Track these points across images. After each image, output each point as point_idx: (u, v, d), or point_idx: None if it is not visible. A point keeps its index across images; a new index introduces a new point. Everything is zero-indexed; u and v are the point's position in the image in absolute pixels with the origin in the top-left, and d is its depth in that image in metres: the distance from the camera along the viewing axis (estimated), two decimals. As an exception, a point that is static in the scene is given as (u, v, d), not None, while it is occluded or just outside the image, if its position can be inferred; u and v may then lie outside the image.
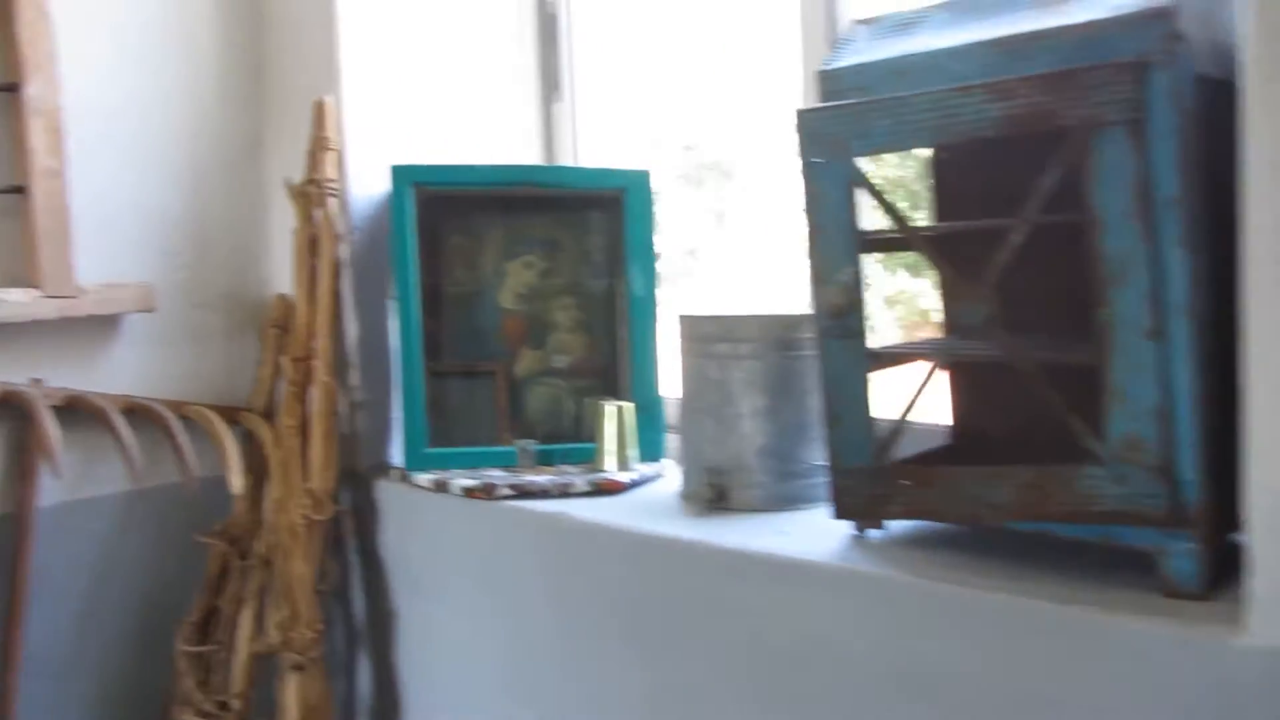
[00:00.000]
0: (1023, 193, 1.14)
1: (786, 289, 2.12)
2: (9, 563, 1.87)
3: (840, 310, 1.27)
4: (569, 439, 1.98)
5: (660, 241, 1.98)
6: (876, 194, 1.27)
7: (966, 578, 1.19)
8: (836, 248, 1.27)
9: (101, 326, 1.97)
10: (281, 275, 2.18)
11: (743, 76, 2.15)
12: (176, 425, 1.92)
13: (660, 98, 2.26)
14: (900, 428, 1.29)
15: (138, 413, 1.94)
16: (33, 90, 1.81)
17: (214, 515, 2.03)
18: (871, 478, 1.27)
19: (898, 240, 1.32)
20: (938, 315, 1.40)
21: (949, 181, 1.47)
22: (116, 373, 1.99)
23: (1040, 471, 1.14)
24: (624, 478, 1.76)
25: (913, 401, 1.29)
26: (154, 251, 2.04)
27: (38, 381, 1.87)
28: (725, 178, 2.26)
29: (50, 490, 1.88)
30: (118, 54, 2.00)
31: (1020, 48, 1.13)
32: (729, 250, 2.25)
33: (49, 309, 1.82)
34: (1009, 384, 1.23)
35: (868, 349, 1.28)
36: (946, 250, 1.26)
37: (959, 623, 1.17)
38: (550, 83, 2.30)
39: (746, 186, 2.23)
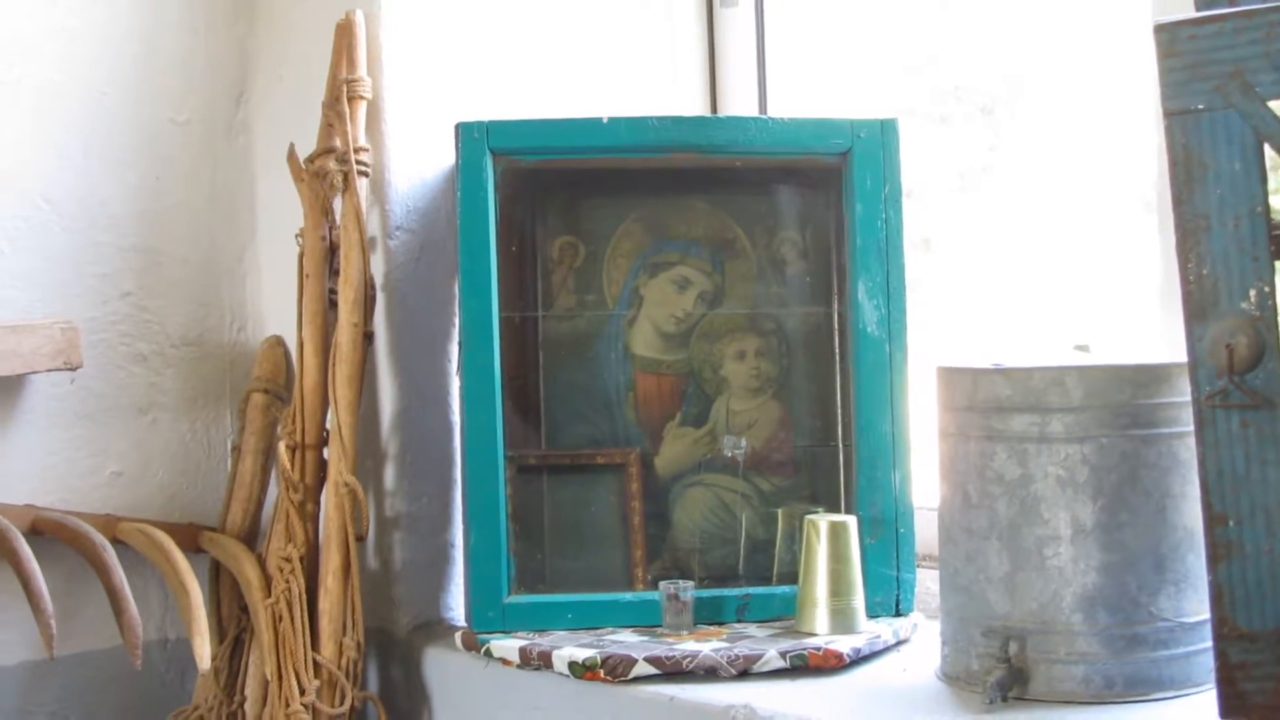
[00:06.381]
0: None
1: (1119, 315, 2.07)
2: None
3: (1241, 360, 1.25)
4: (750, 579, 1.97)
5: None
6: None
7: None
8: (1233, 253, 1.26)
9: (-8, 395, 1.98)
10: (276, 308, 2.20)
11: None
12: (110, 556, 1.89)
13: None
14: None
15: (46, 534, 1.94)
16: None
17: (168, 701, 2.02)
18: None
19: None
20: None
21: None
22: (15, 470, 2.01)
23: None
24: (845, 645, 1.76)
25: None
26: (77, 272, 2.07)
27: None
28: (987, 116, 2.24)
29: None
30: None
31: None
32: (1001, 240, 2.21)
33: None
34: None
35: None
36: None
37: None
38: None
39: (1028, 133, 2.18)
